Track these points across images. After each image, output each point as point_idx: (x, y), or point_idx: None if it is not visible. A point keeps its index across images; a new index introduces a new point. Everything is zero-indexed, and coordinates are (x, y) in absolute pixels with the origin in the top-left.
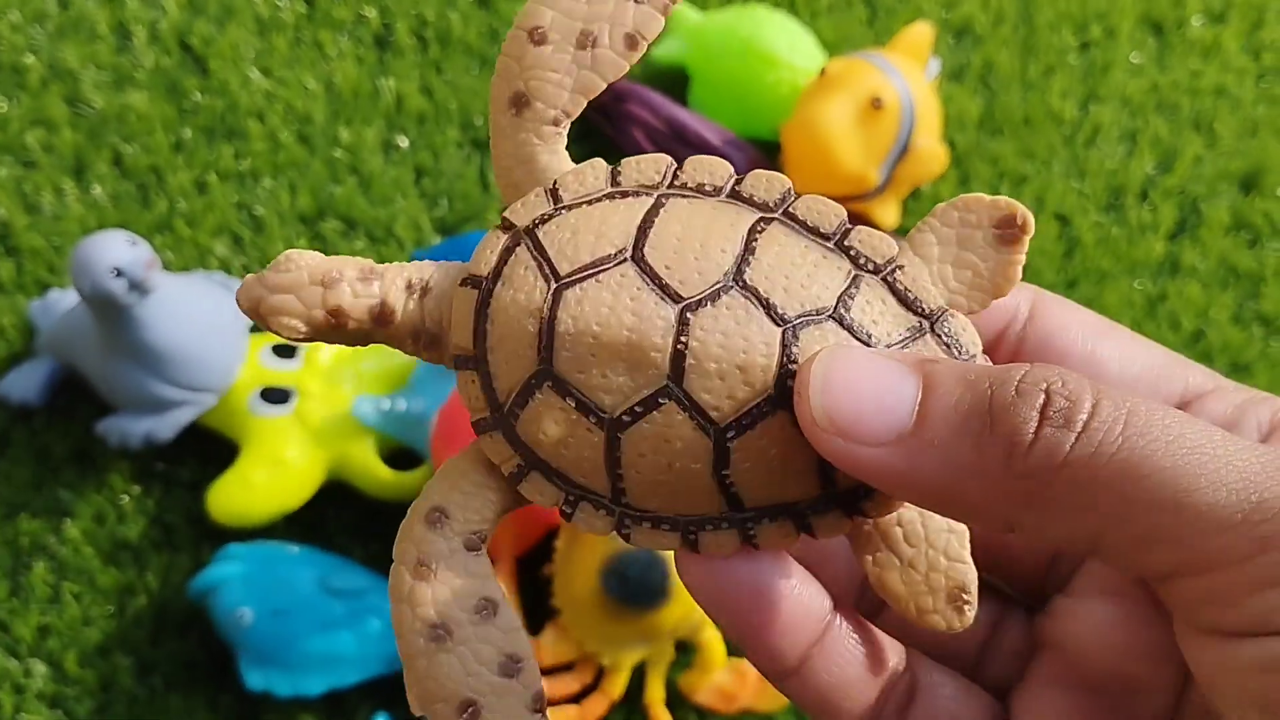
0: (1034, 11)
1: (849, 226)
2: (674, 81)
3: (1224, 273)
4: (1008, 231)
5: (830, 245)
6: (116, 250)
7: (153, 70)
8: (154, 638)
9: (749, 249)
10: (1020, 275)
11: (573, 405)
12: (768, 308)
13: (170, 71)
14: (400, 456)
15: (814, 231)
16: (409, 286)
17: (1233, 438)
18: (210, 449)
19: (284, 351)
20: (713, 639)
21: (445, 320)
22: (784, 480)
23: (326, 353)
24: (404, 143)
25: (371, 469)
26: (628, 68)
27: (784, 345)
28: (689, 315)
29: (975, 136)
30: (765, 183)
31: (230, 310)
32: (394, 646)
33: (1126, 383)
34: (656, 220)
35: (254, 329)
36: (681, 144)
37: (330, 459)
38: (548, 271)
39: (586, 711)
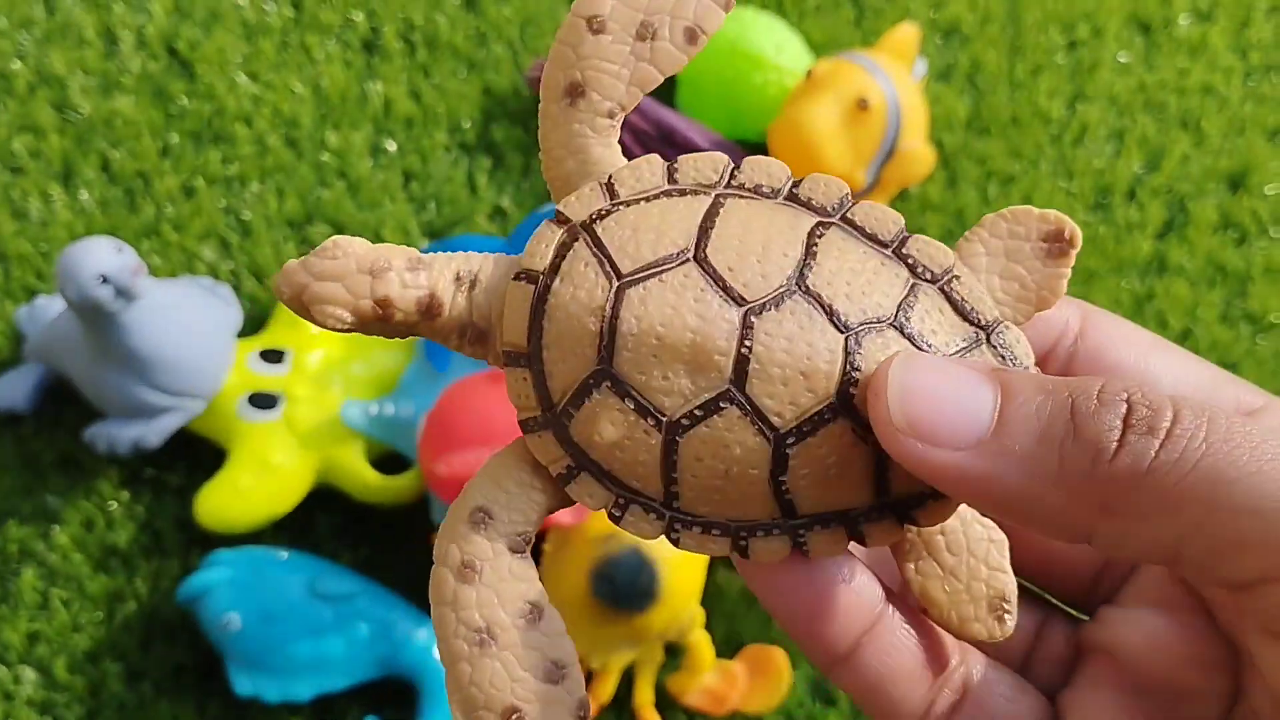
0: (1021, 11)
1: (906, 235)
2: (662, 84)
3: (1211, 271)
4: (1055, 245)
5: (888, 253)
6: (102, 257)
7: (139, 75)
8: (143, 643)
9: (810, 254)
10: (1066, 289)
11: (631, 407)
12: (830, 314)
13: (157, 76)
14: (389, 461)
15: (872, 238)
16: (458, 279)
17: None
18: (199, 454)
19: (272, 357)
20: (701, 641)
21: (494, 315)
22: (839, 488)
23: (314, 357)
24: (392, 146)
25: (360, 473)
26: (686, 62)
27: (847, 352)
28: (753, 319)
29: (963, 136)
30: (823, 187)
31: (217, 315)
32: (383, 650)
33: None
34: (717, 220)
35: (241, 333)
36: (669, 146)
37: (318, 464)
38: (609, 269)
39: None
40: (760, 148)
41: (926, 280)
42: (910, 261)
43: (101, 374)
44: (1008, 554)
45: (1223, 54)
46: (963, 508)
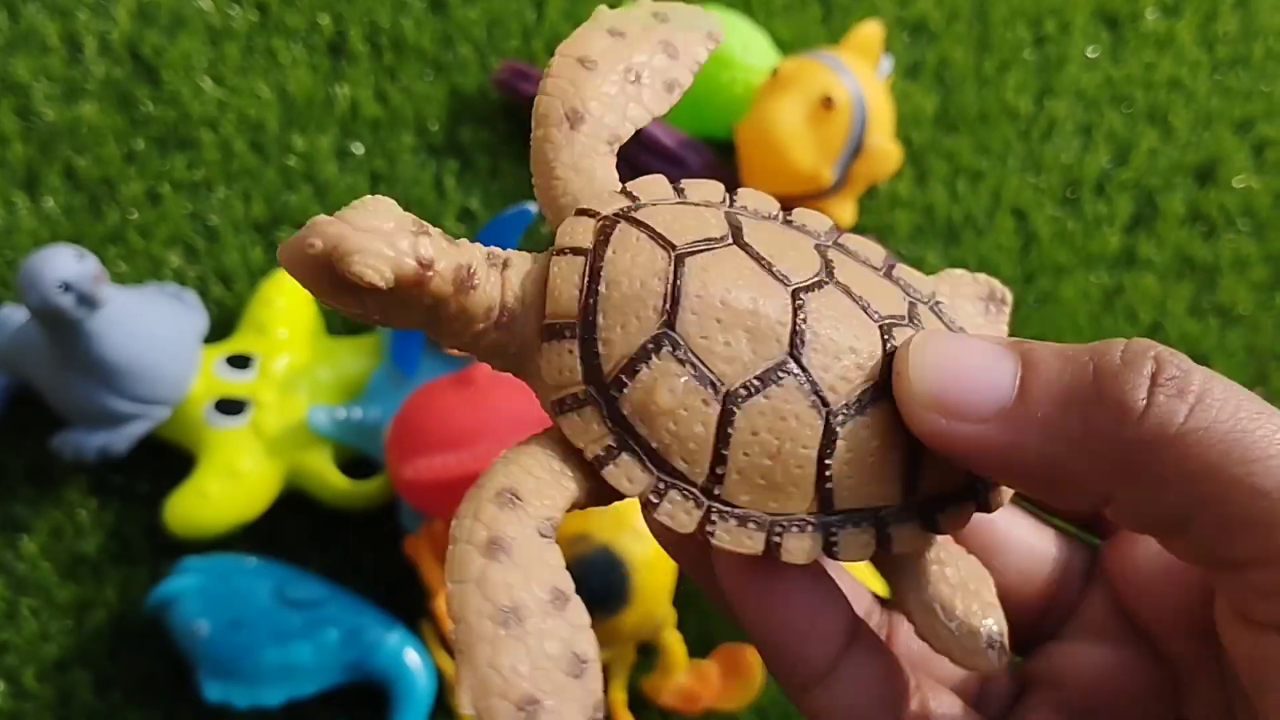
0: (988, 7)
1: (893, 263)
2: None
3: (1180, 265)
4: (992, 303)
5: (880, 275)
6: (63, 265)
7: (103, 81)
8: (112, 652)
9: (830, 262)
10: (1007, 332)
11: (691, 373)
12: (864, 305)
13: (122, 82)
14: (357, 465)
15: (864, 263)
16: (490, 258)
17: None
18: (166, 461)
19: (238, 362)
20: (674, 641)
21: (530, 294)
22: (875, 479)
23: (281, 363)
24: (359, 149)
25: (327, 478)
26: (668, 108)
27: (884, 339)
28: (802, 296)
29: (931, 133)
30: (814, 218)
31: (182, 321)
32: (352, 655)
33: None
34: (743, 222)
35: (207, 339)
36: (635, 145)
37: (287, 469)
38: (663, 242)
39: None
40: (726, 146)
41: (919, 300)
42: (901, 284)
43: (66, 382)
44: (995, 589)
45: (1190, 48)
46: (951, 544)
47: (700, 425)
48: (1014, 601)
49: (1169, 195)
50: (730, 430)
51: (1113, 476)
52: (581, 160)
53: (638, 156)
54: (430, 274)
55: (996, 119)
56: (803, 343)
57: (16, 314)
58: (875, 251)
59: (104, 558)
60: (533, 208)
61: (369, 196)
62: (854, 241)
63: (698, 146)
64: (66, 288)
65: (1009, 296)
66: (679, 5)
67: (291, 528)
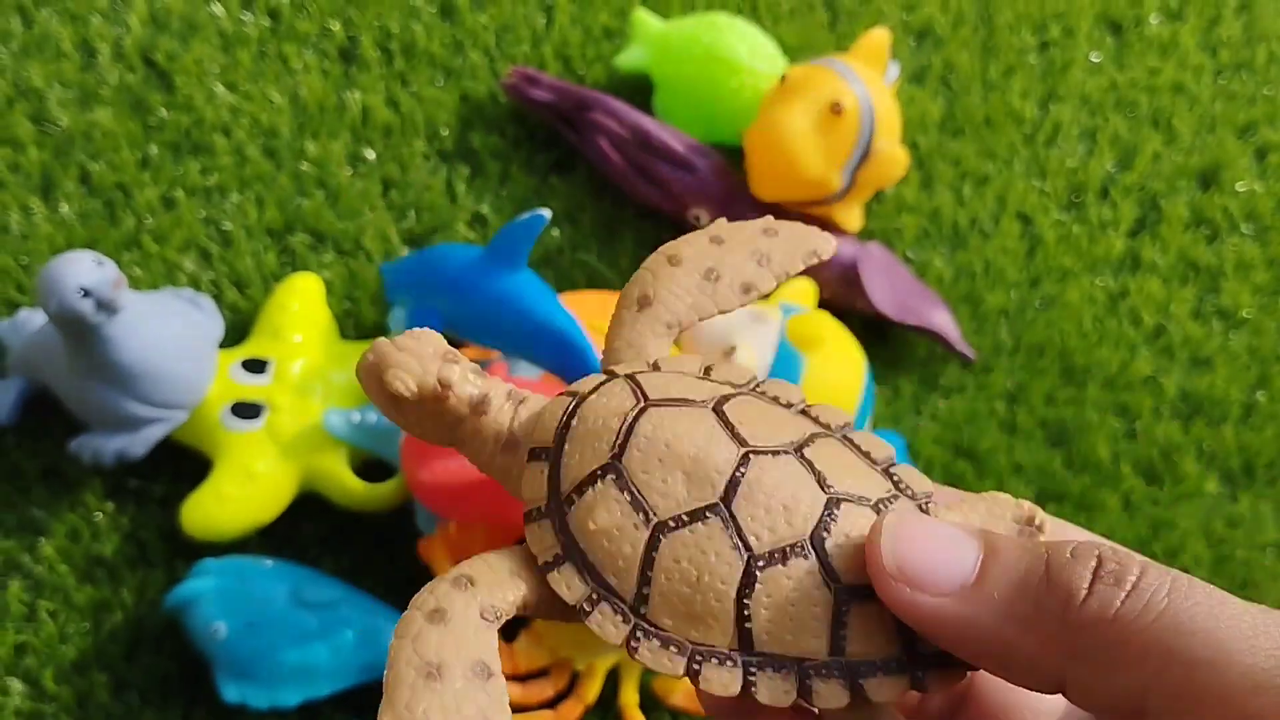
0: (993, 12)
1: (894, 463)
2: (638, 89)
3: (1184, 268)
4: (1027, 527)
5: (878, 470)
6: (83, 270)
7: (117, 87)
8: (130, 653)
9: (810, 440)
10: None
11: (628, 500)
12: (819, 479)
13: (135, 88)
14: (372, 468)
15: (866, 456)
16: (509, 395)
17: (1267, 610)
18: (183, 464)
19: (254, 366)
20: None
21: (527, 427)
22: (795, 630)
23: (296, 366)
24: (370, 155)
25: (343, 481)
26: (739, 306)
27: (826, 508)
28: (751, 456)
29: (937, 138)
30: (831, 411)
31: (199, 327)
32: (368, 656)
33: None
34: (736, 398)
35: (223, 344)
36: (645, 151)
37: (302, 472)
38: (640, 394)
39: (562, 716)
40: (736, 151)
41: (907, 495)
42: (895, 479)
43: (85, 386)
44: None
45: (1193, 52)
46: None
47: (629, 546)
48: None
49: (1173, 199)
50: (655, 554)
51: (1063, 658)
52: (637, 338)
53: (651, 163)
54: (448, 393)
55: (1001, 124)
56: (735, 492)
57: (34, 318)
58: (881, 449)
59: (121, 560)
60: (546, 213)
61: (420, 329)
62: (862, 438)
63: (707, 151)
64: (86, 293)
65: (1046, 525)
66: (794, 225)
67: (307, 530)
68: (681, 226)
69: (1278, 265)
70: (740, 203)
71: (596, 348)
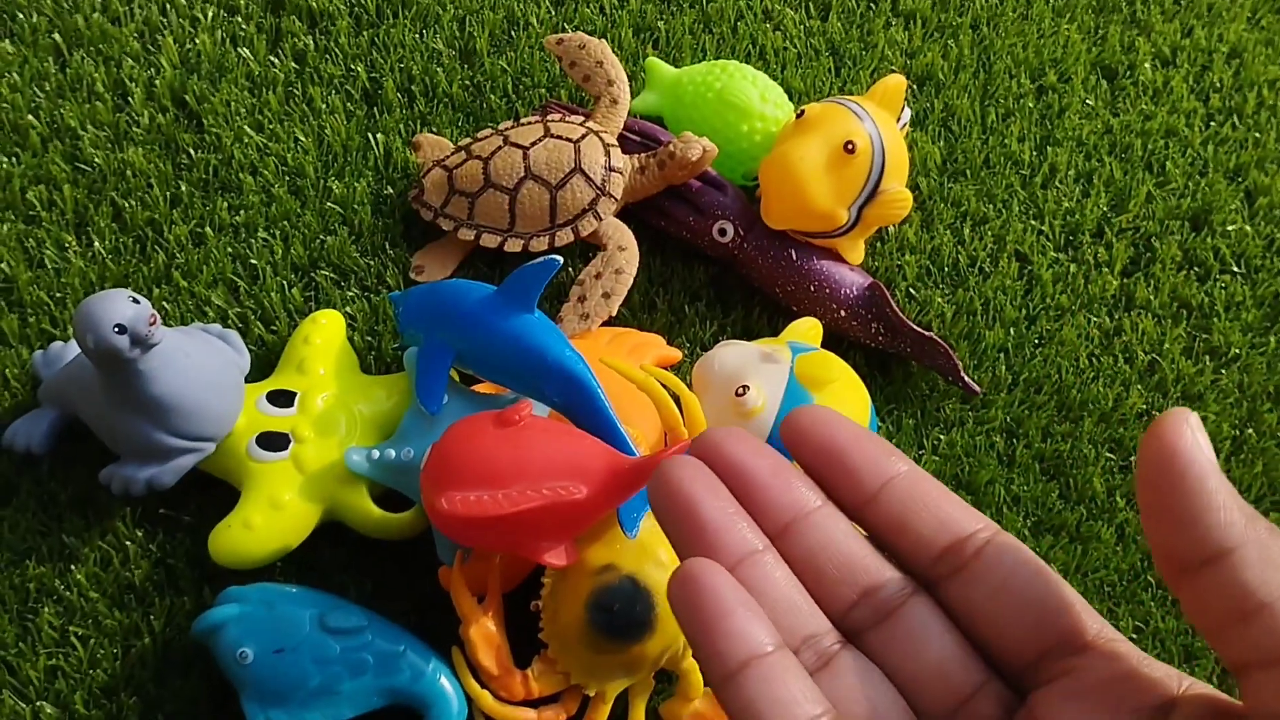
0: (992, 59)
1: None
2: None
3: (1176, 307)
4: None
5: None
6: (120, 307)
7: (149, 127)
8: (158, 677)
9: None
10: None
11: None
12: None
13: (166, 128)
14: (393, 496)
15: None
16: None
17: None
18: (211, 493)
19: (280, 399)
20: (693, 668)
21: None
22: None
23: (321, 399)
24: (393, 193)
25: (364, 510)
26: None
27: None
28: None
29: (938, 179)
30: None
31: (228, 362)
32: (389, 681)
33: None
34: None
35: (250, 378)
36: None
37: (325, 501)
38: None
39: None
40: (750, 190)
41: None
42: None
43: (117, 418)
44: None
45: (1185, 98)
46: None
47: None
48: (928, 695)
49: (1165, 240)
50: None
51: None
52: None
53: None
54: None
55: (1000, 166)
56: None
57: (66, 350)
58: None
59: (150, 586)
60: (558, 259)
61: None
62: None
63: (725, 186)
64: (121, 329)
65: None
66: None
67: (330, 557)
68: (697, 254)
69: (1267, 304)
70: (761, 223)
71: (605, 387)
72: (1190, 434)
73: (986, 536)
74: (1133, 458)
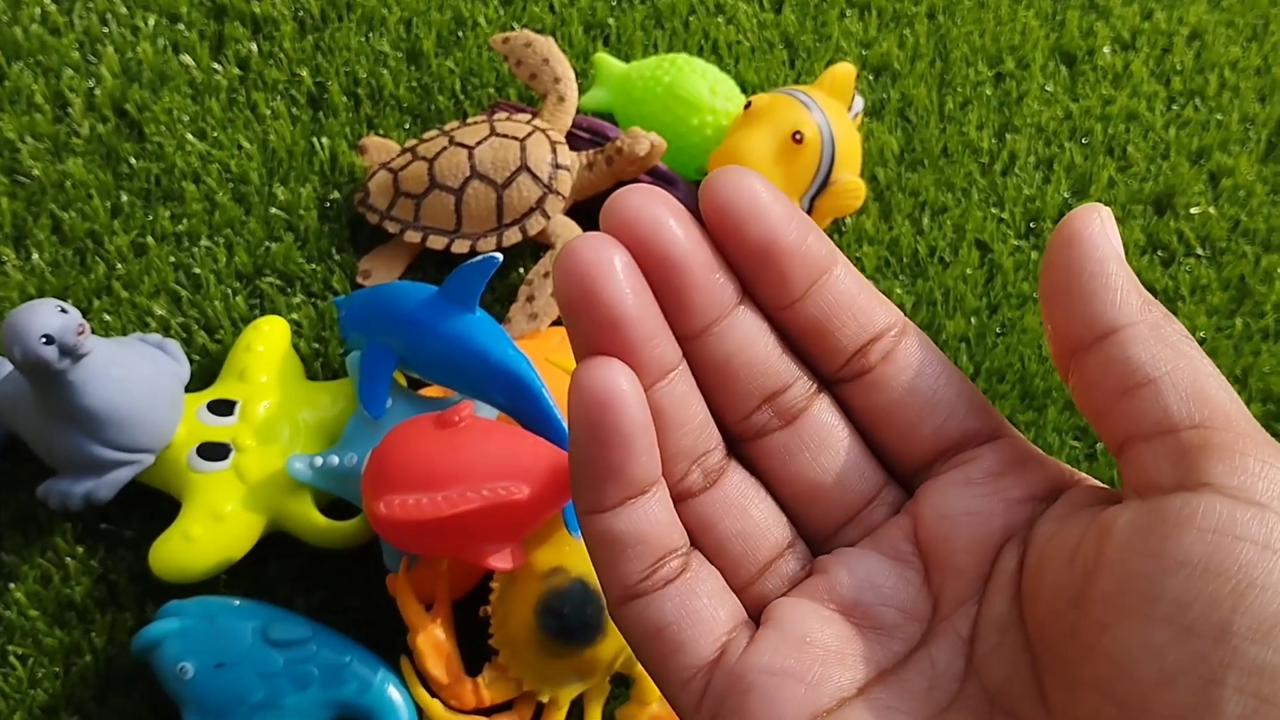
0: (949, 47)
1: None
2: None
3: None
4: None
5: None
6: (47, 318)
7: (89, 138)
8: (100, 696)
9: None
10: None
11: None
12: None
13: (107, 138)
14: (341, 505)
15: None
16: None
17: None
18: (153, 507)
19: (220, 408)
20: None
21: None
22: None
23: (262, 407)
24: (339, 198)
25: (309, 519)
26: None
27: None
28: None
29: (896, 170)
30: None
31: (165, 370)
32: (336, 693)
33: None
34: None
35: (193, 387)
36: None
37: (269, 511)
38: None
39: None
40: (699, 184)
41: None
42: None
43: (51, 432)
44: None
45: (1145, 82)
46: None
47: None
48: (823, 505)
49: (1128, 225)
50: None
51: None
52: None
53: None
54: None
55: (959, 155)
56: None
57: (2, 366)
58: None
59: (92, 603)
60: (498, 256)
61: None
62: None
63: (675, 178)
64: (49, 340)
65: None
66: None
67: (276, 569)
68: None
69: (1233, 287)
70: None
71: (551, 387)
72: (1099, 223)
73: (895, 336)
74: (1098, 445)
